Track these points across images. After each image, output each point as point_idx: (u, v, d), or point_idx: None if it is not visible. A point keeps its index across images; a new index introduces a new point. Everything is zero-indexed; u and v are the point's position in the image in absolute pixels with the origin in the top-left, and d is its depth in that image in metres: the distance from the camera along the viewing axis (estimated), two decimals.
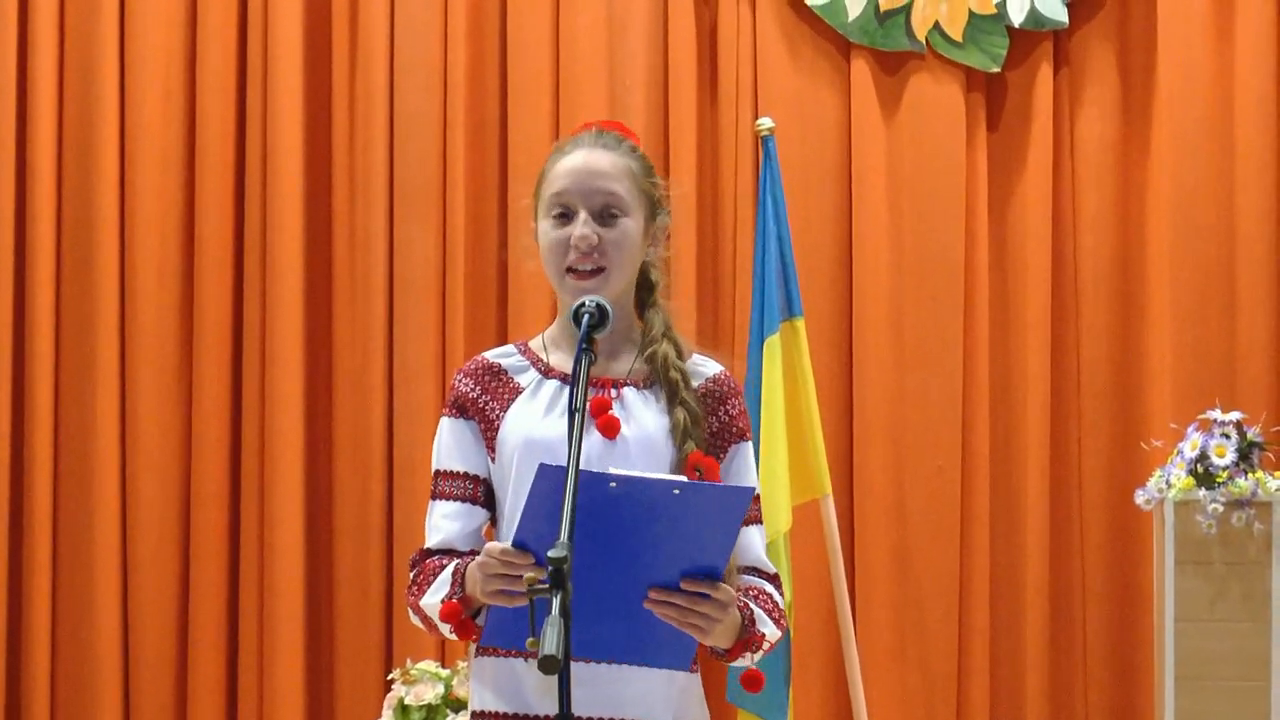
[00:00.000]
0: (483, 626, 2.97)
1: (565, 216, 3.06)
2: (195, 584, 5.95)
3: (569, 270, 3.05)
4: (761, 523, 3.10)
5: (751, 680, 3.04)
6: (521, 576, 2.71)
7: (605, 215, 3.06)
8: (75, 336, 5.98)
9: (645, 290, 3.16)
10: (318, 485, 6.00)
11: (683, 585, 2.81)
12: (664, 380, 3.09)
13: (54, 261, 5.98)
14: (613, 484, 2.74)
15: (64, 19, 6.03)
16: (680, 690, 3.03)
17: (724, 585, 2.84)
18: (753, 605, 3.00)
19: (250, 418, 5.98)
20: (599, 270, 3.05)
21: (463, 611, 2.97)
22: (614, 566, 2.79)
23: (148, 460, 5.96)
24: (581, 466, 2.68)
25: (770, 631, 3.01)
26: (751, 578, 3.05)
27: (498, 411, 3.08)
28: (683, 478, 2.87)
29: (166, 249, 6.00)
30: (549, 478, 2.71)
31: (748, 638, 2.97)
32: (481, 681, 3.06)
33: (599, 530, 2.74)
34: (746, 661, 3.00)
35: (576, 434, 2.71)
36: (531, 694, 2.99)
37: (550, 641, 2.48)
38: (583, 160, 3.08)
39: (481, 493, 3.09)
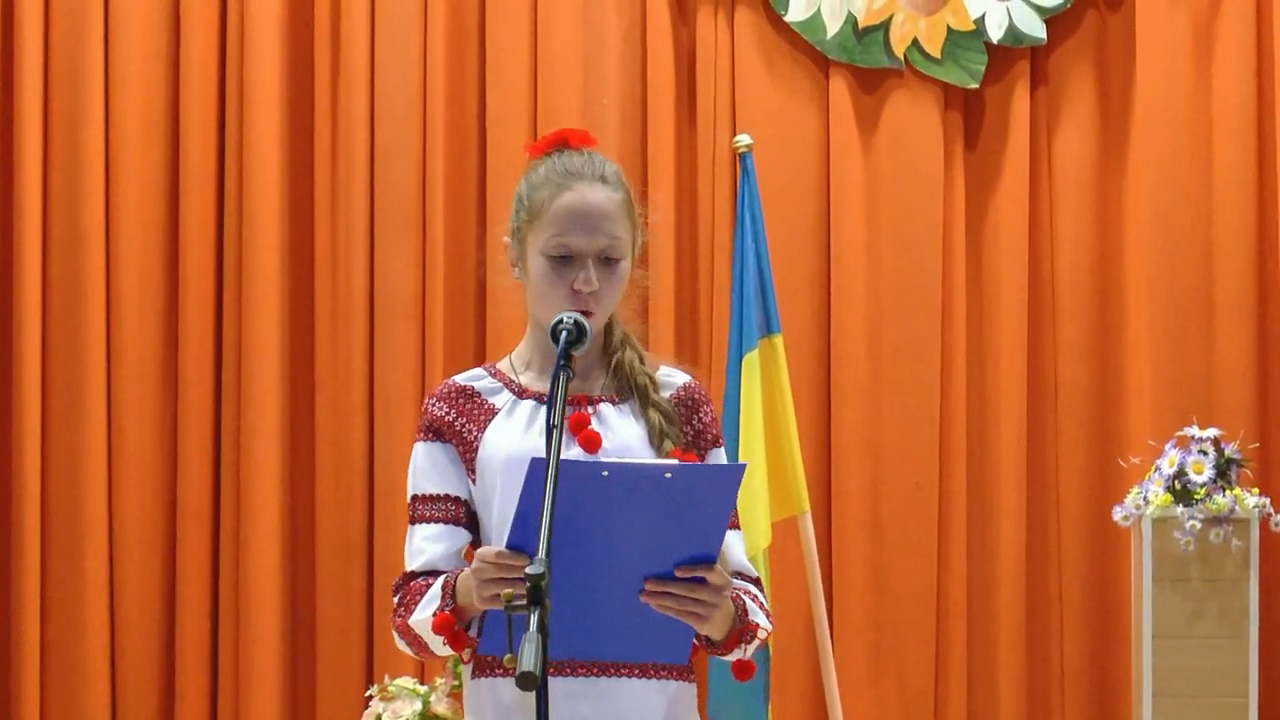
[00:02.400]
0: (476, 639, 2.96)
1: (567, 259, 3.06)
2: (180, 602, 5.93)
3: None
4: (740, 529, 3.10)
5: (743, 669, 3.04)
6: (520, 579, 2.72)
7: (606, 259, 3.07)
8: (62, 359, 5.93)
9: None
10: (298, 506, 5.98)
11: (677, 572, 2.81)
12: (633, 385, 3.10)
13: (40, 284, 5.93)
14: (605, 472, 2.74)
15: (49, 42, 5.99)
16: (676, 700, 3.03)
17: (718, 568, 2.85)
18: (744, 598, 3.00)
19: (229, 440, 5.96)
20: (592, 312, 3.05)
21: (455, 623, 2.96)
22: (608, 560, 2.78)
23: (132, 479, 5.93)
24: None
25: (763, 623, 3.02)
26: (736, 580, 3.04)
27: (475, 433, 3.08)
28: (674, 461, 2.88)
29: (148, 272, 5.96)
30: (542, 475, 2.70)
31: (742, 628, 2.98)
32: (479, 704, 3.05)
33: (593, 522, 2.74)
34: (740, 654, 3.01)
35: (555, 450, 2.71)
36: (530, 716, 2.97)
37: (528, 658, 2.47)
38: (584, 201, 3.07)
39: (463, 514, 3.08)
